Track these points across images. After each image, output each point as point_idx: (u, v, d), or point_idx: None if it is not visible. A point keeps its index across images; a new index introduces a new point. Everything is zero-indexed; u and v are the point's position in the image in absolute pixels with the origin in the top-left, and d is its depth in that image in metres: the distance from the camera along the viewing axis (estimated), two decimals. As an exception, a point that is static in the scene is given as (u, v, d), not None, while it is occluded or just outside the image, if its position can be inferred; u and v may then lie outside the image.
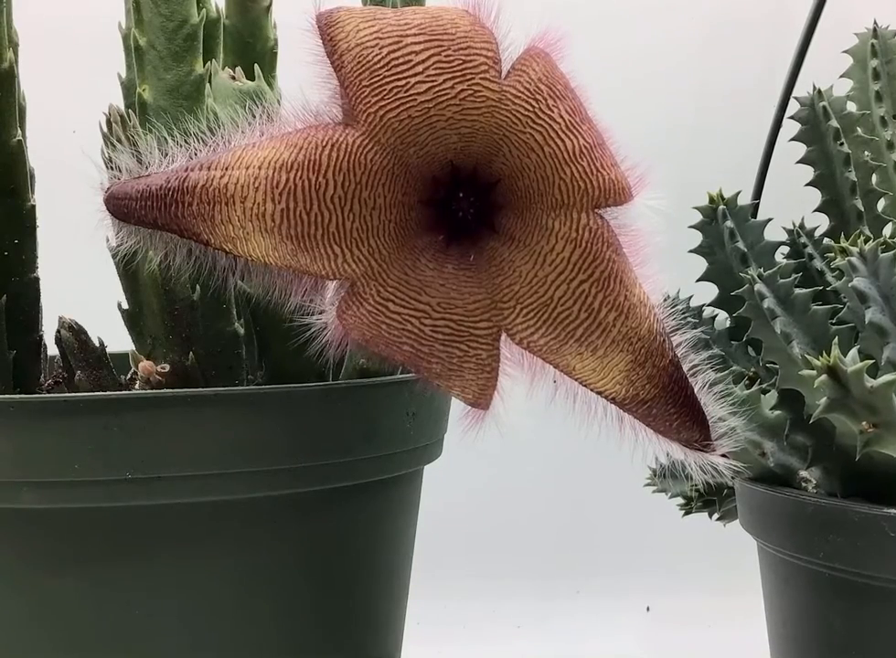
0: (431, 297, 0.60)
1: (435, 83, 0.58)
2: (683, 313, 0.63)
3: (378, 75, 0.58)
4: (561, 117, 0.59)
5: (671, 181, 0.60)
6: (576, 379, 0.61)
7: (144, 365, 0.75)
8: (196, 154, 0.61)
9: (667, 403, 0.61)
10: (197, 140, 0.61)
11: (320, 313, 0.62)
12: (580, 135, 0.59)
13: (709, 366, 0.63)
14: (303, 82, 0.61)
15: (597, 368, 0.60)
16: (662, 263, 0.62)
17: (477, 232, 0.61)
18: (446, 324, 0.60)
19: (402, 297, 0.60)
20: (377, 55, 0.58)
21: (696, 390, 0.62)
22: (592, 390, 0.61)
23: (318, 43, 0.59)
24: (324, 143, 0.59)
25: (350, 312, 0.60)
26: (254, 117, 0.61)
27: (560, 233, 0.60)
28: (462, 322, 0.60)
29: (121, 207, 0.61)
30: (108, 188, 0.61)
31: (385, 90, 0.58)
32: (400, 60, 0.58)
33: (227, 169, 0.59)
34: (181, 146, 0.61)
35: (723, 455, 0.63)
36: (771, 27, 1.38)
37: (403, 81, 0.58)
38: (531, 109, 0.59)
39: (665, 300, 0.63)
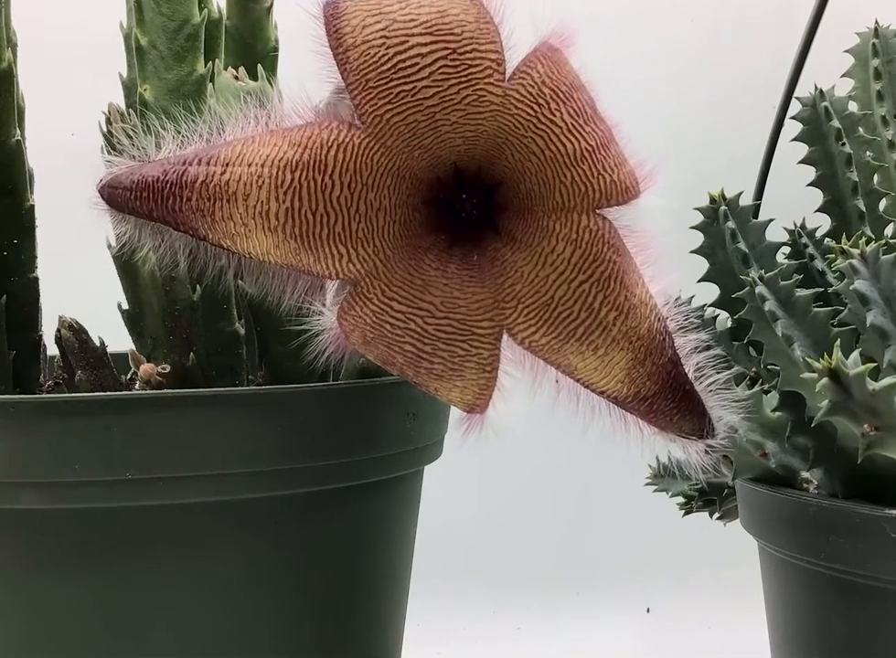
0: (434, 296, 0.61)
1: (441, 88, 0.58)
2: (685, 314, 0.63)
3: (385, 77, 0.58)
4: (563, 121, 0.59)
5: (673, 182, 0.60)
6: (578, 380, 0.61)
7: (146, 367, 0.75)
8: (193, 144, 0.60)
9: (667, 398, 0.62)
10: (194, 132, 0.61)
11: (320, 315, 0.62)
12: (582, 138, 0.59)
13: (714, 365, 0.63)
14: (303, 79, 0.61)
15: (599, 367, 0.61)
16: (665, 264, 0.62)
17: (480, 233, 0.61)
18: (449, 323, 0.60)
19: (406, 296, 0.60)
20: (384, 55, 0.58)
21: (697, 386, 0.62)
22: (594, 391, 0.61)
23: (322, 33, 0.58)
24: (329, 144, 0.59)
25: (353, 312, 0.60)
26: (251, 111, 0.61)
27: (560, 234, 0.60)
28: (464, 321, 0.60)
29: (115, 197, 0.60)
30: (103, 178, 0.61)
31: (392, 93, 0.58)
32: (407, 63, 0.57)
33: (227, 165, 0.59)
34: (176, 137, 0.61)
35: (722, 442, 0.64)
36: (775, 27, 1.38)
37: (410, 85, 0.58)
38: (533, 113, 0.59)
39: (668, 301, 0.63)
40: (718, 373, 0.63)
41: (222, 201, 0.59)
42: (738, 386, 0.74)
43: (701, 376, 0.62)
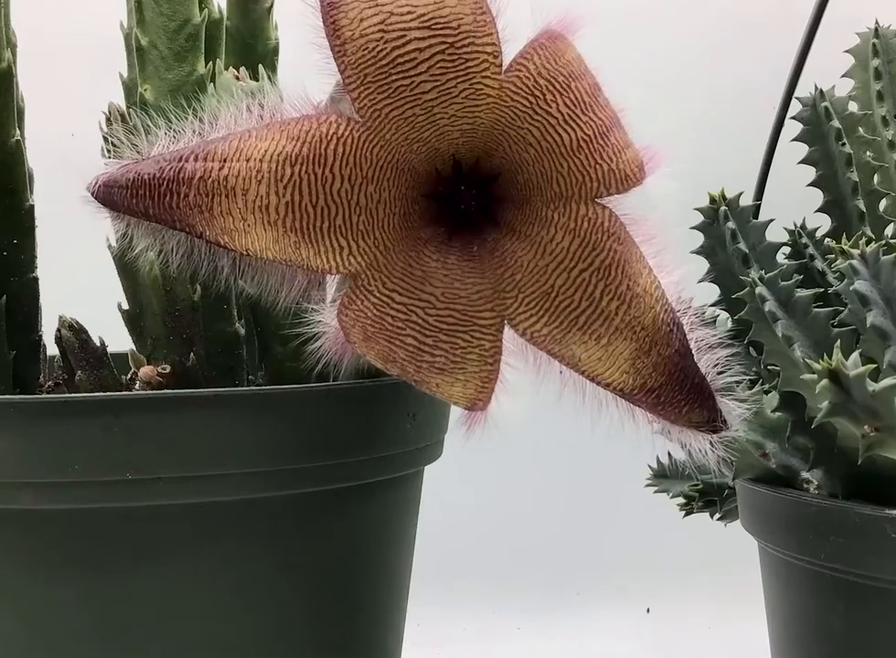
0: (434, 287, 0.61)
1: (439, 83, 0.58)
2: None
3: (384, 72, 0.58)
4: (559, 111, 0.59)
5: (673, 182, 0.60)
6: (583, 372, 0.61)
7: (146, 369, 0.75)
8: (189, 141, 0.60)
9: (674, 390, 0.62)
10: (189, 129, 0.61)
11: (319, 313, 0.62)
12: (578, 128, 0.59)
13: (729, 364, 0.63)
14: (303, 77, 0.61)
15: (602, 357, 0.61)
16: (673, 256, 0.62)
17: (479, 224, 0.62)
18: (450, 314, 0.61)
19: (407, 288, 0.61)
20: (382, 50, 0.58)
21: (711, 380, 0.62)
22: (600, 384, 0.61)
23: (320, 24, 0.58)
24: (328, 137, 0.59)
25: (354, 307, 0.60)
26: (244, 106, 0.61)
27: (558, 224, 0.60)
28: (465, 311, 0.61)
29: (111, 196, 0.60)
30: (98, 178, 0.60)
31: (391, 88, 0.58)
32: (406, 58, 0.58)
33: (225, 161, 0.59)
34: (170, 134, 0.61)
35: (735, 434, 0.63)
36: (775, 28, 1.37)
37: (408, 81, 0.58)
38: (528, 105, 0.59)
39: (680, 294, 0.63)
40: (730, 368, 0.63)
41: (221, 196, 0.59)
42: (738, 386, 0.74)
43: (722, 372, 0.62)
